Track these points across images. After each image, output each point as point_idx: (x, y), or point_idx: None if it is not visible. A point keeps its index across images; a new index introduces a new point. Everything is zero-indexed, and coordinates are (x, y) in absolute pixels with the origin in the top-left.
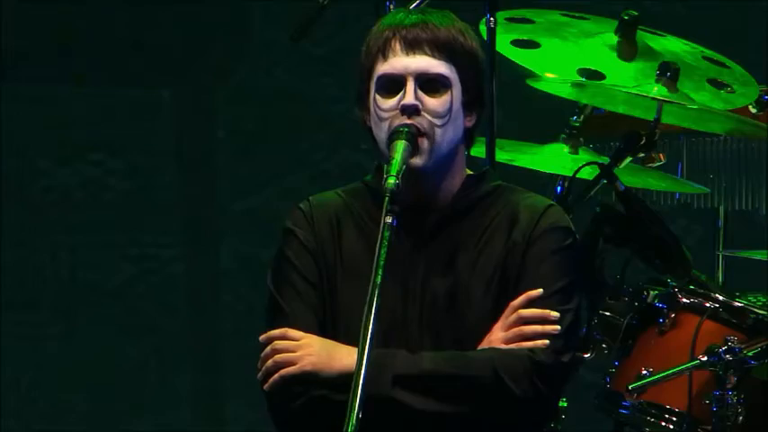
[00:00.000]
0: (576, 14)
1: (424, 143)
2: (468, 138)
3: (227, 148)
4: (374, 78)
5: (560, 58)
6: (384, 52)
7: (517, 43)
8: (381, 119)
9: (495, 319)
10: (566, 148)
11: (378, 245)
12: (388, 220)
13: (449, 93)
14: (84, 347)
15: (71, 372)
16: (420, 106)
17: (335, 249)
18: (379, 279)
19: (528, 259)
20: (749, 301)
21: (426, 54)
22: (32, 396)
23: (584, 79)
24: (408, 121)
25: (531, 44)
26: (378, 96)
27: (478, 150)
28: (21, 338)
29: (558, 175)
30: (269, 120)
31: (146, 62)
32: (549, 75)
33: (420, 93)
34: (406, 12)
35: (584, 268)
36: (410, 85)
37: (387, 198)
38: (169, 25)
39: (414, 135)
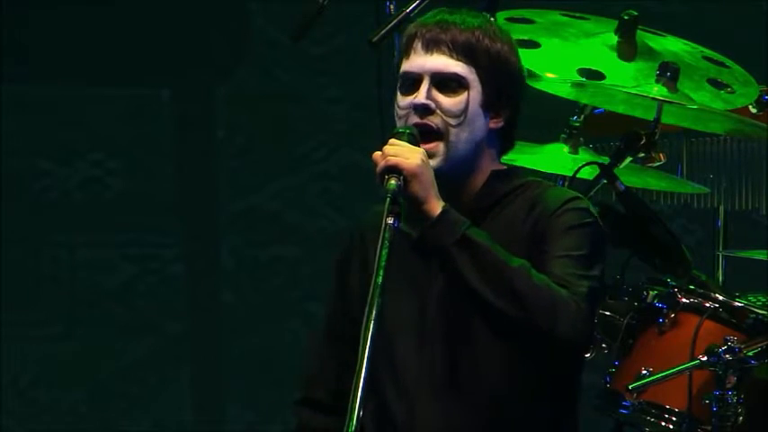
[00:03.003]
0: (577, 14)
1: (440, 146)
2: (499, 139)
3: (227, 147)
4: (399, 77)
5: (560, 58)
6: (407, 51)
7: (517, 43)
8: (399, 116)
9: None
10: (566, 148)
11: (378, 245)
12: (389, 220)
13: (465, 93)
14: (84, 347)
15: (71, 372)
16: (432, 105)
17: (369, 258)
18: (380, 279)
19: (549, 232)
20: (749, 301)
21: (444, 54)
22: (32, 396)
23: (584, 79)
24: (421, 121)
25: (531, 44)
26: (399, 94)
27: None
28: (21, 338)
29: (558, 175)
30: (269, 119)
31: (146, 62)
32: (549, 75)
33: (434, 92)
34: (435, 12)
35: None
36: (424, 84)
37: (388, 199)
38: (169, 25)
39: (415, 137)
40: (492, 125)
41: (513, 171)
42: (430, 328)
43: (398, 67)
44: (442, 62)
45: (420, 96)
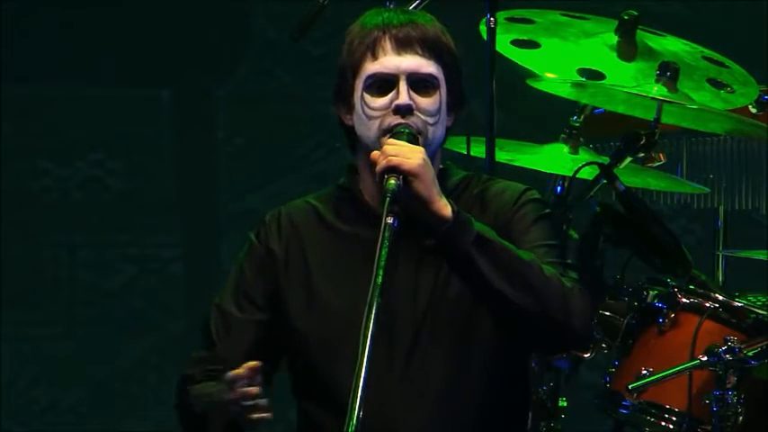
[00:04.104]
0: (577, 14)
1: (419, 141)
2: (444, 139)
3: (226, 147)
4: (362, 77)
5: (560, 58)
6: (374, 51)
7: (517, 43)
8: (371, 117)
9: None
10: (566, 148)
11: (378, 245)
12: (389, 220)
13: (438, 92)
14: (83, 347)
15: (71, 372)
16: (414, 106)
17: (306, 254)
18: (380, 279)
19: (515, 225)
20: (749, 301)
21: (417, 53)
22: (32, 396)
23: (584, 79)
24: (403, 121)
25: (531, 44)
26: (366, 95)
27: (479, 150)
28: (21, 338)
29: (558, 175)
30: (268, 120)
31: (146, 62)
32: (549, 75)
33: (411, 92)
34: (390, 11)
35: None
36: (403, 85)
37: (388, 198)
38: (169, 25)
39: (414, 136)
40: (448, 123)
41: (450, 167)
42: (399, 332)
43: (353, 68)
44: (416, 63)
45: (403, 97)
